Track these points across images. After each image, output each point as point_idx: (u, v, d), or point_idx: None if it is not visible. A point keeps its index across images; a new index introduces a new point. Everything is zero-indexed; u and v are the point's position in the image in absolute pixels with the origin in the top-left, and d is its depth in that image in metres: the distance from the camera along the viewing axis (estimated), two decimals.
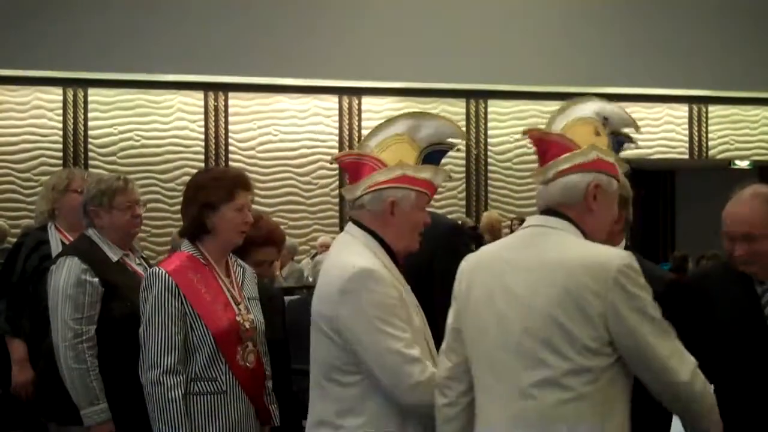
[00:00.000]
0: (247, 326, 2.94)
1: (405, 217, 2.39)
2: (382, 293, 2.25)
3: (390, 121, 2.41)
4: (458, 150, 2.63)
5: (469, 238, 3.61)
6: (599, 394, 1.98)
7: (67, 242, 3.86)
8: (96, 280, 3.27)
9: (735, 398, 2.43)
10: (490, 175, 11.53)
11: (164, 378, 2.80)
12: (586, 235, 2.11)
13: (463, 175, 11.44)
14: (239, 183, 2.97)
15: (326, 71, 10.31)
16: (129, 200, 3.42)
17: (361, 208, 2.37)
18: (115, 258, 3.39)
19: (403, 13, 10.46)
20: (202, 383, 2.86)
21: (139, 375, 2.90)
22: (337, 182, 10.79)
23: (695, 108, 11.89)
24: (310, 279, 8.25)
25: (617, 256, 2.03)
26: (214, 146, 10.68)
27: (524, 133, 2.21)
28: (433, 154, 2.45)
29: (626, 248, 2.59)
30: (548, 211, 2.13)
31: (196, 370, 2.86)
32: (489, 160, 11.53)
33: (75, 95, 10.33)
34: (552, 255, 2.04)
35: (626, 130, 2.32)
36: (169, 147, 10.55)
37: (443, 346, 2.25)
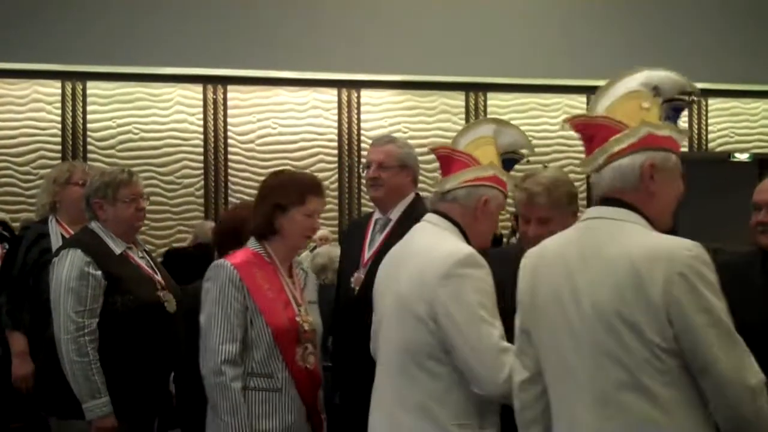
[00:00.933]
0: (306, 327, 2.94)
1: (490, 217, 2.47)
2: (484, 280, 2.27)
3: (477, 123, 2.50)
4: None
5: None
6: (681, 395, 1.82)
7: (67, 235, 3.86)
8: (99, 272, 3.26)
9: None
10: None
11: (226, 368, 2.78)
12: (651, 220, 1.97)
13: None
14: (313, 189, 3.00)
15: (325, 64, 10.29)
16: (133, 193, 3.42)
17: (453, 201, 2.41)
18: (118, 251, 3.38)
19: (402, 5, 10.43)
20: (258, 379, 2.86)
21: (198, 365, 2.88)
22: (337, 176, 10.78)
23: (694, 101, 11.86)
24: (309, 271, 8.23)
25: (683, 247, 1.88)
26: (213, 139, 10.66)
27: (566, 121, 2.14)
28: (506, 162, 2.57)
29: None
30: (605, 200, 2.00)
31: (253, 365, 2.85)
32: None
33: (74, 88, 10.31)
34: (611, 248, 1.91)
35: (682, 94, 2.17)
36: (168, 140, 10.53)
37: (515, 349, 2.17)
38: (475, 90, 11.37)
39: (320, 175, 10.79)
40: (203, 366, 2.83)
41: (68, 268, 3.25)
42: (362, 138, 11.09)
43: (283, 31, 10.02)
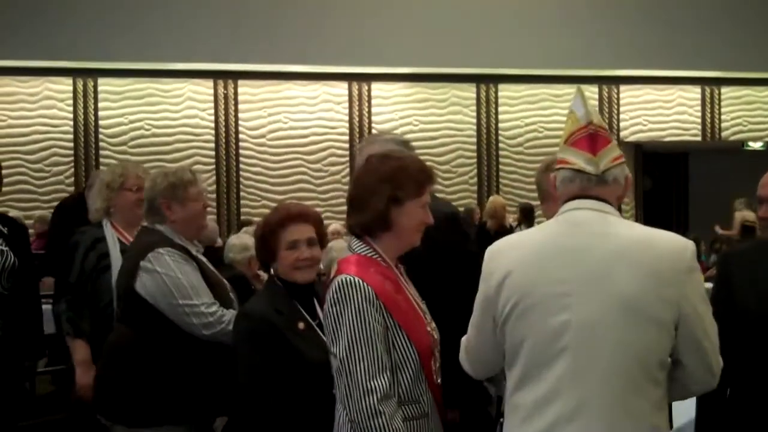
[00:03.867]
0: (435, 336, 2.56)
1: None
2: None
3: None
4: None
5: (467, 225, 3.53)
6: (663, 393, 2.05)
7: (123, 239, 3.78)
8: (195, 265, 3.21)
9: (752, 374, 2.55)
10: (501, 160, 11.48)
11: (383, 406, 2.32)
12: None
13: (475, 160, 11.40)
14: (429, 177, 2.57)
15: (335, 58, 10.28)
16: (199, 191, 3.34)
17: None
18: (194, 252, 3.30)
19: None
20: (407, 407, 2.42)
21: (341, 407, 2.43)
22: (348, 169, 10.77)
23: (708, 89, 11.80)
24: (322, 266, 8.23)
25: (686, 241, 2.06)
26: (224, 134, 10.68)
27: (587, 123, 2.16)
28: None
29: None
30: (592, 197, 2.12)
31: (400, 392, 2.41)
32: (500, 145, 11.48)
33: (85, 85, 10.34)
34: (626, 238, 2.05)
35: None
36: (179, 136, 10.56)
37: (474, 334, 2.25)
38: (485, 81, 11.34)
39: (331, 168, 10.83)
40: (350, 409, 2.35)
41: (175, 265, 3.14)
42: (373, 131, 11.07)
43: (293, 26, 10.02)
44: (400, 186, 2.48)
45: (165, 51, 9.83)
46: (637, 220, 11.83)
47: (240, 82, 10.68)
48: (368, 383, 2.32)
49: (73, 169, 10.29)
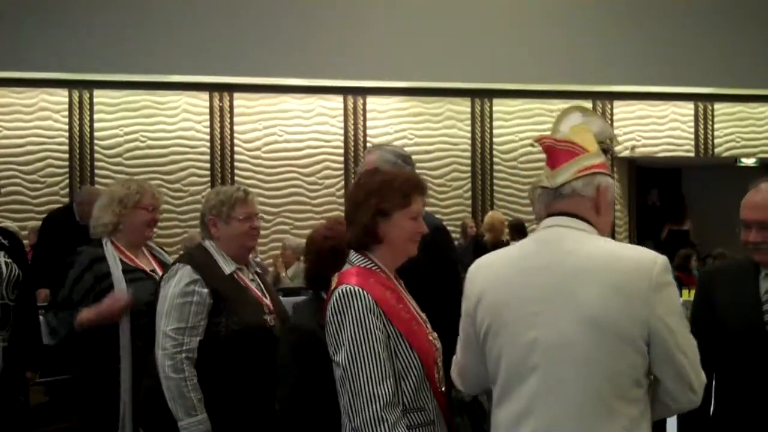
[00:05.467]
0: (437, 345, 2.57)
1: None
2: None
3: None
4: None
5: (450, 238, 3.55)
6: (642, 411, 2.02)
7: (126, 259, 3.74)
8: (205, 290, 3.17)
9: (734, 392, 2.56)
10: (495, 174, 11.51)
11: (386, 413, 2.32)
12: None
13: (469, 174, 11.43)
14: (417, 188, 2.59)
15: (331, 71, 10.31)
16: (248, 212, 3.34)
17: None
18: (228, 271, 3.28)
19: (407, 12, 10.45)
20: (412, 415, 2.42)
21: (347, 420, 2.42)
22: (343, 182, 10.80)
23: (701, 105, 11.86)
24: None
25: (655, 256, 2.02)
26: (219, 147, 10.69)
27: (535, 140, 2.17)
28: None
29: None
30: (562, 213, 2.12)
31: (405, 400, 2.41)
32: (494, 159, 11.52)
33: (80, 97, 10.35)
34: (593, 254, 2.03)
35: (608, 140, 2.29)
36: (174, 148, 10.57)
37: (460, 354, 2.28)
38: (480, 96, 11.39)
39: (326, 181, 10.86)
40: (353, 416, 2.35)
41: (175, 284, 3.18)
42: (368, 145, 11.09)
43: (288, 39, 10.05)
44: (385, 198, 2.52)
45: (161, 63, 9.85)
46: (630, 235, 11.87)
47: (236, 94, 10.71)
48: (372, 390, 2.32)
49: (68, 181, 10.28)
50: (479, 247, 9.83)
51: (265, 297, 3.38)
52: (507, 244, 9.75)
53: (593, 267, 2.01)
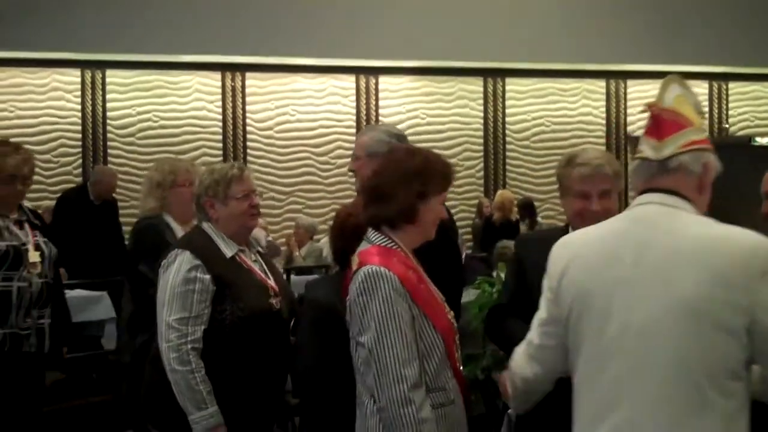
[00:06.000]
0: (455, 324, 2.59)
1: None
2: None
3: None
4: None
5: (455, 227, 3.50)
6: (741, 405, 1.85)
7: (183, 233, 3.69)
8: (207, 277, 3.02)
9: None
10: (508, 154, 11.49)
11: (413, 394, 2.32)
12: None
13: (481, 154, 11.40)
14: (452, 175, 2.59)
15: (343, 51, 10.28)
16: (245, 189, 3.17)
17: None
18: (229, 254, 3.13)
19: None
20: (434, 395, 2.42)
21: (368, 399, 2.42)
22: None
23: (715, 85, 11.78)
24: (329, 258, 8.27)
25: (762, 241, 1.85)
26: (231, 127, 10.70)
27: (647, 106, 2.02)
28: None
29: None
30: (662, 190, 1.97)
31: (427, 380, 2.41)
32: (507, 138, 11.49)
33: (93, 77, 10.36)
34: (693, 237, 1.87)
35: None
36: (187, 128, 10.58)
37: (538, 336, 2.12)
38: (493, 75, 11.34)
39: (338, 161, 10.85)
40: (380, 397, 2.35)
41: (175, 272, 3.01)
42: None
43: (301, 18, 10.02)
44: (427, 181, 2.50)
45: (173, 43, 9.84)
46: None
47: (248, 74, 10.70)
48: (399, 371, 2.32)
49: (81, 161, 10.32)
50: (489, 225, 9.84)
51: (269, 279, 3.24)
52: (516, 223, 9.76)
53: (692, 249, 1.86)
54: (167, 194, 3.86)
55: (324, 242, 9.59)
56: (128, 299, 4.10)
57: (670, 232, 1.90)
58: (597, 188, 2.77)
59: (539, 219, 10.23)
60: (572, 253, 2.02)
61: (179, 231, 3.82)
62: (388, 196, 2.49)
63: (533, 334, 2.11)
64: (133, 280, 3.95)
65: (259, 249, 3.38)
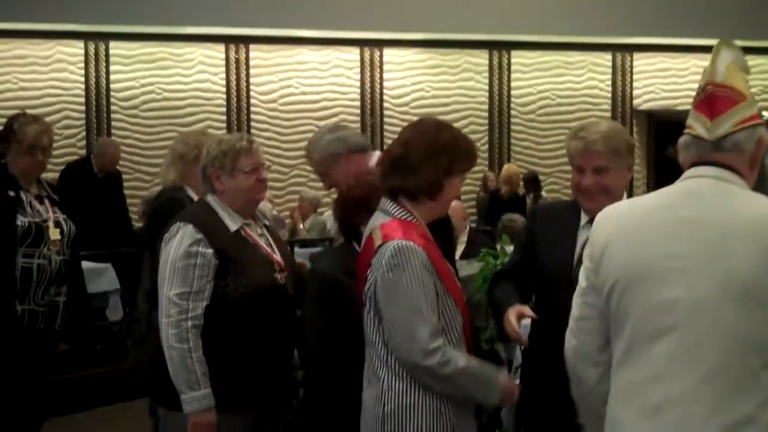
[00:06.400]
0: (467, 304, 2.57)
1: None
2: None
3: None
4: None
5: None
6: None
7: None
8: (210, 251, 2.92)
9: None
10: (513, 127, 11.45)
11: (435, 343, 2.35)
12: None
13: (486, 127, 11.36)
14: (476, 154, 2.58)
15: (348, 23, 10.22)
16: (253, 162, 3.06)
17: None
18: (234, 227, 3.03)
19: None
20: None
21: (405, 369, 2.41)
22: None
23: None
24: (332, 231, 8.27)
25: None
26: (235, 99, 10.67)
27: (702, 87, 1.97)
28: None
29: None
30: (717, 164, 1.91)
31: None
32: (512, 112, 11.44)
33: (96, 48, 10.32)
34: (746, 213, 1.83)
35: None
36: (190, 100, 10.55)
37: (580, 312, 2.06)
38: (498, 48, 11.27)
39: None
40: (406, 360, 2.38)
41: (177, 246, 2.92)
42: (385, 97, 11.04)
43: None
44: (456, 158, 2.47)
45: (177, 15, 9.80)
46: (648, 189, 11.80)
47: (252, 46, 10.65)
48: (421, 328, 2.33)
49: (84, 133, 10.30)
50: (496, 199, 9.84)
51: (275, 253, 3.14)
52: (524, 197, 9.76)
53: (747, 225, 1.82)
54: (189, 168, 3.76)
55: (327, 215, 9.59)
56: (148, 271, 4.06)
57: (723, 207, 1.87)
58: (590, 164, 2.72)
59: (543, 193, 10.22)
60: (617, 224, 1.97)
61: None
62: (413, 168, 2.45)
63: (573, 309, 2.07)
64: (155, 253, 3.93)
65: (266, 222, 3.30)
